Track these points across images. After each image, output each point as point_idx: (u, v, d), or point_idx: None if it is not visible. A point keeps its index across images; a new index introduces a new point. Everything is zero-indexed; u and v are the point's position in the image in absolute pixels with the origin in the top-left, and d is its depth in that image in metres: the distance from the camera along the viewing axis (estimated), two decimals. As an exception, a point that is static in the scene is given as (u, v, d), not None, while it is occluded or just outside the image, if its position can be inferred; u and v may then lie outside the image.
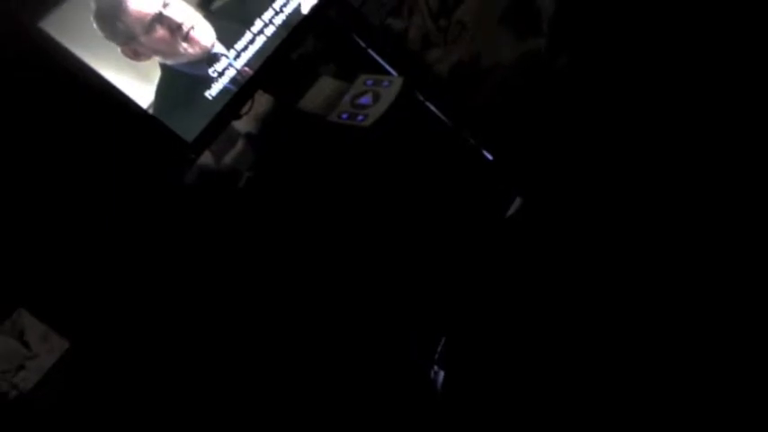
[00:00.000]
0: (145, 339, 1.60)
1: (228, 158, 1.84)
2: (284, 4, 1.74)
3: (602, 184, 1.90)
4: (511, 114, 2.06)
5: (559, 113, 2.01)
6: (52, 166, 1.49)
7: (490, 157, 2.03)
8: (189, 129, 1.58)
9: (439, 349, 1.80)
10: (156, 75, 1.53)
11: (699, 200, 1.74)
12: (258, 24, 1.69)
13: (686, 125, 1.84)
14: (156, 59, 1.53)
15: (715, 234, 1.67)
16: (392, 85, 1.83)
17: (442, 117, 2.03)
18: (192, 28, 1.57)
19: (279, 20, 1.73)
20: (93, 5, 1.42)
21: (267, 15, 1.71)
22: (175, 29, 1.54)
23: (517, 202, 1.97)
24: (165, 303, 1.63)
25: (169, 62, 1.55)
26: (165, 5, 1.52)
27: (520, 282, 1.83)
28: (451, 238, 1.88)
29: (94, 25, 1.43)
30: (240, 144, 1.86)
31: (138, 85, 1.50)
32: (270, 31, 1.71)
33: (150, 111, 1.51)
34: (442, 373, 1.77)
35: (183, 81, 1.58)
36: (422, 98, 1.99)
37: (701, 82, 1.87)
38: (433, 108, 2.01)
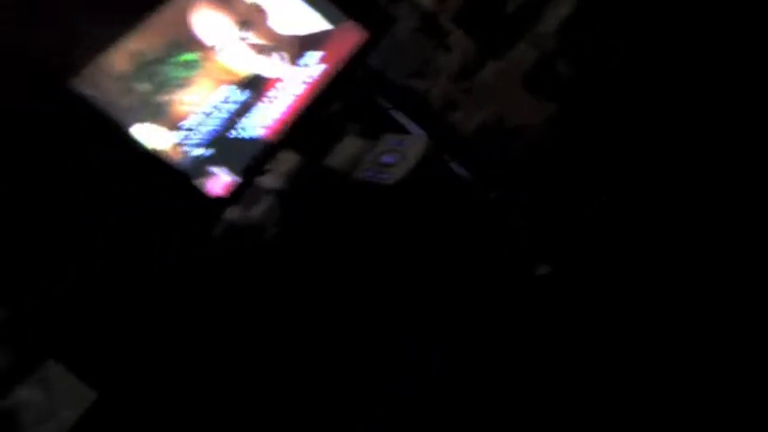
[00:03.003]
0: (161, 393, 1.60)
1: (254, 213, 1.88)
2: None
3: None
4: (539, 175, 2.05)
5: (587, 177, 2.00)
6: (80, 220, 1.54)
7: (519, 217, 2.02)
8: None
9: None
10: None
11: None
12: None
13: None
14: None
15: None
16: (416, 144, 1.85)
17: (469, 176, 2.04)
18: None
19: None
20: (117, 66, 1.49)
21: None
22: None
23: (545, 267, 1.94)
24: (187, 355, 1.64)
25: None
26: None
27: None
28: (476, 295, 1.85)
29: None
30: (266, 200, 1.89)
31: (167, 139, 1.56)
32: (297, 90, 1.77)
33: (178, 166, 1.57)
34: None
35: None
36: (446, 158, 2.01)
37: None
38: (458, 168, 2.03)
